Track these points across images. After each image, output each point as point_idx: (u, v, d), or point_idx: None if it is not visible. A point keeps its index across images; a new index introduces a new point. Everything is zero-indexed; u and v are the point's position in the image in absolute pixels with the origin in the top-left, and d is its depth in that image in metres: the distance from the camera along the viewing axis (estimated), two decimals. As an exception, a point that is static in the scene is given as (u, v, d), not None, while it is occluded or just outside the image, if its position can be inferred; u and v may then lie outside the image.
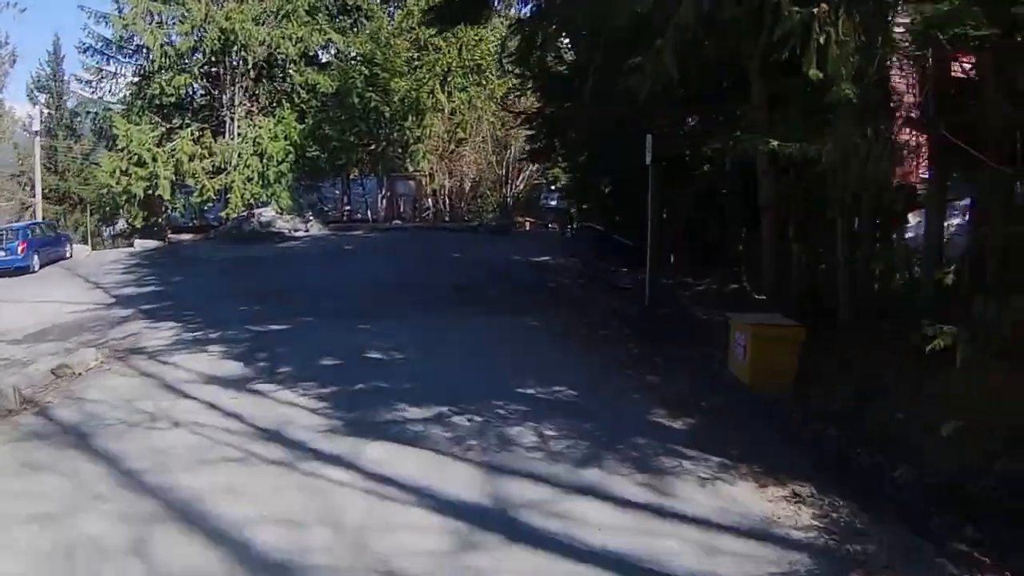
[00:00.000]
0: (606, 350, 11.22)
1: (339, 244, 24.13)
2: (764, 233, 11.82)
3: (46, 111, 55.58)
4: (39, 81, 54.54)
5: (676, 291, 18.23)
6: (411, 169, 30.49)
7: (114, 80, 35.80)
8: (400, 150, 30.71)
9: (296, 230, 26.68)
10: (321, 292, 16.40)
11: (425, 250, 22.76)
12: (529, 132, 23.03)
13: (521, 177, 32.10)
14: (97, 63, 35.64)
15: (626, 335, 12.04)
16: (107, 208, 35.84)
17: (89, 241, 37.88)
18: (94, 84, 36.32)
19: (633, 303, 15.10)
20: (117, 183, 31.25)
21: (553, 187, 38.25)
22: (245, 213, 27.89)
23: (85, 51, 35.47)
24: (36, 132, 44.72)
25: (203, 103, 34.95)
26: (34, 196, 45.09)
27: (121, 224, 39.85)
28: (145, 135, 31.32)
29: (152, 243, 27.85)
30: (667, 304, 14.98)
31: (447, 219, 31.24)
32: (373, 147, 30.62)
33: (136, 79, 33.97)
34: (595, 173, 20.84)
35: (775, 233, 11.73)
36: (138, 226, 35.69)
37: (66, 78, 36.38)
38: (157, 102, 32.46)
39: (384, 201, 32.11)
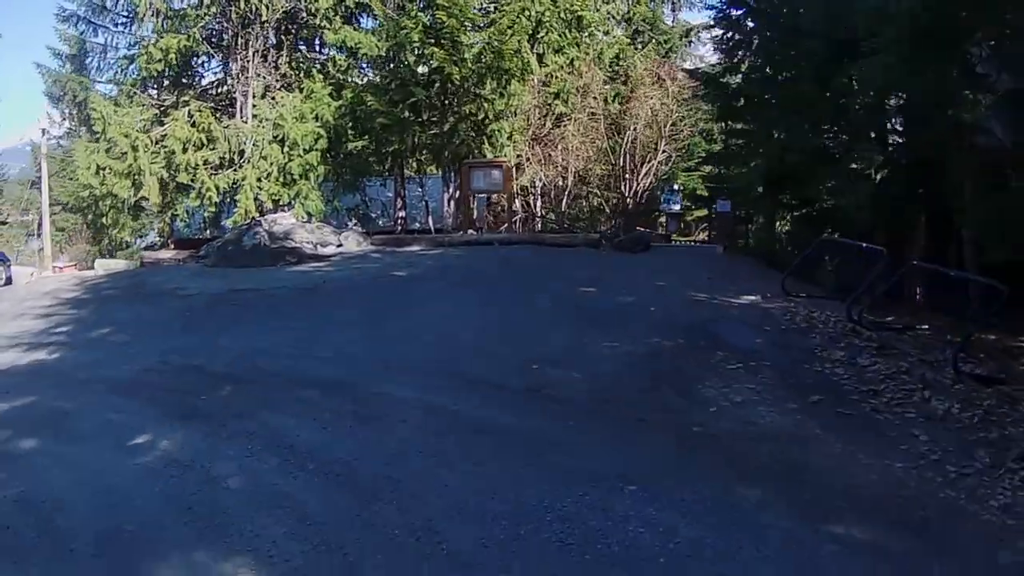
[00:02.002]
0: None
1: (385, 269, 14.99)
2: None
3: (67, 110, 48.39)
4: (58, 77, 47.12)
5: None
6: (490, 156, 21.28)
7: (103, 56, 27.67)
8: (474, 131, 21.53)
9: (324, 245, 17.76)
10: (327, 395, 7.43)
11: (534, 282, 13.54)
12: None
13: (645, 170, 22.77)
14: (80, 33, 27.58)
15: None
16: (90, 216, 27.39)
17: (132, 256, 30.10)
18: (79, 60, 28.15)
19: None
20: (102, 183, 22.92)
21: (676, 187, 29.19)
22: (249, 221, 18.99)
23: (66, 20, 27.38)
24: (44, 132, 37.15)
25: (214, 79, 26.52)
26: (52, 205, 38.57)
27: (152, 236, 32.53)
28: (130, 118, 22.91)
29: (120, 264, 19.25)
30: None
31: (540, 227, 22.04)
32: (437, 127, 21.50)
33: (130, 52, 25.80)
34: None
35: None
36: (128, 238, 27.31)
37: (91, 75, 27.94)
38: (144, 73, 24.08)
39: (452, 203, 22.94)
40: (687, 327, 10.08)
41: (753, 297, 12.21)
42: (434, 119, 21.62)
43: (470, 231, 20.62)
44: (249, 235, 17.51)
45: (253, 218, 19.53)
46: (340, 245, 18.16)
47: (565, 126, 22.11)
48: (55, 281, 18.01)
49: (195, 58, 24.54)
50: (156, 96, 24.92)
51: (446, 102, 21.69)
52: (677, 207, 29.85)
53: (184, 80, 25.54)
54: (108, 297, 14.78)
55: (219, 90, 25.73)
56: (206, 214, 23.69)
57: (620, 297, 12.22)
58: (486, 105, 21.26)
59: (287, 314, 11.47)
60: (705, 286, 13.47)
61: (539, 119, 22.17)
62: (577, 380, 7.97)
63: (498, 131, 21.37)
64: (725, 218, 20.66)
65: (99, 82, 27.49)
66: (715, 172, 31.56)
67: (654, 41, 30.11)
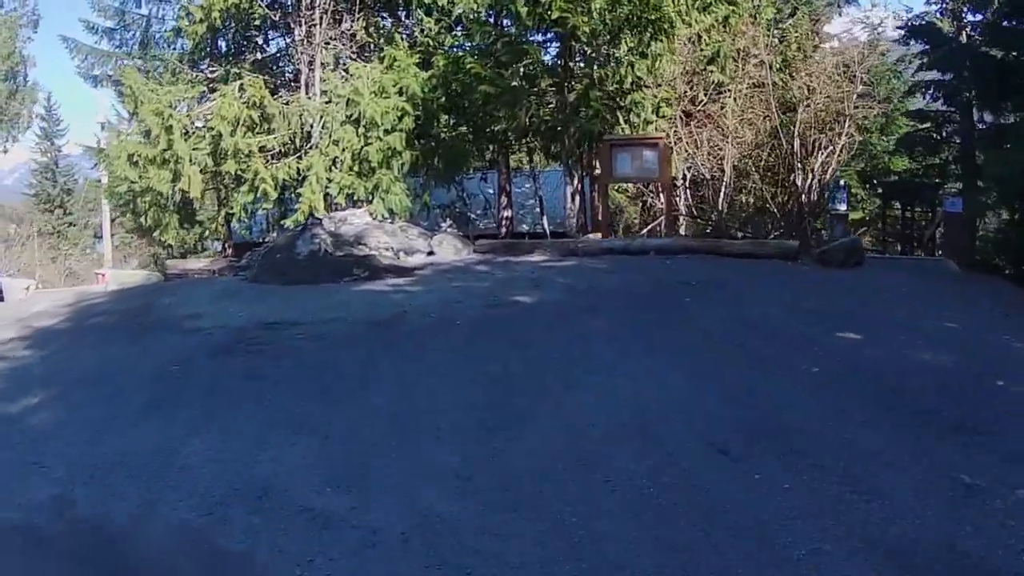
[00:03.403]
0: None
1: (500, 290, 9.71)
2: None
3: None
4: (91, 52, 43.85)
5: None
6: (626, 132, 15.96)
7: (146, 29, 23.42)
8: (607, 102, 16.16)
9: (409, 252, 12.82)
10: None
11: (751, 319, 8.10)
12: None
13: (821, 159, 17.13)
14: (120, 3, 23.38)
15: None
16: (128, 215, 22.82)
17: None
18: (117, 35, 23.89)
19: None
20: (140, 176, 18.43)
21: (841, 182, 23.51)
22: (305, 221, 13.99)
23: (103, -13, 23.32)
24: (104, 124, 33.40)
25: (276, 50, 21.86)
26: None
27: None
28: (170, 95, 18.33)
29: (137, 276, 14.64)
30: None
31: (686, 230, 16.59)
32: (556, 96, 16.25)
33: (177, 24, 21.32)
34: None
35: None
36: (171, 242, 22.69)
37: (132, 50, 23.76)
38: (188, 41, 19.72)
39: (577, 199, 17.52)
40: None
41: None
42: (552, 88, 16.35)
43: (597, 236, 15.34)
44: (305, 239, 12.56)
45: (311, 216, 14.61)
46: (431, 252, 13.13)
47: (723, 100, 16.65)
48: (49, 300, 13.32)
49: (252, 22, 19.74)
50: (205, 71, 20.44)
51: (569, 65, 16.40)
52: (843, 207, 24.11)
53: (242, 53, 21.01)
54: (89, 329, 9.99)
55: (281, 63, 21.11)
56: (261, 210, 18.97)
57: (916, 353, 6.86)
58: (622, 70, 15.89)
59: (332, 383, 6.33)
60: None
61: (688, 90, 16.75)
62: None
63: (639, 103, 15.96)
64: (955, 222, 14.94)
65: (141, 58, 23.26)
66: (869, 167, 26.00)
67: (799, 12, 24.74)
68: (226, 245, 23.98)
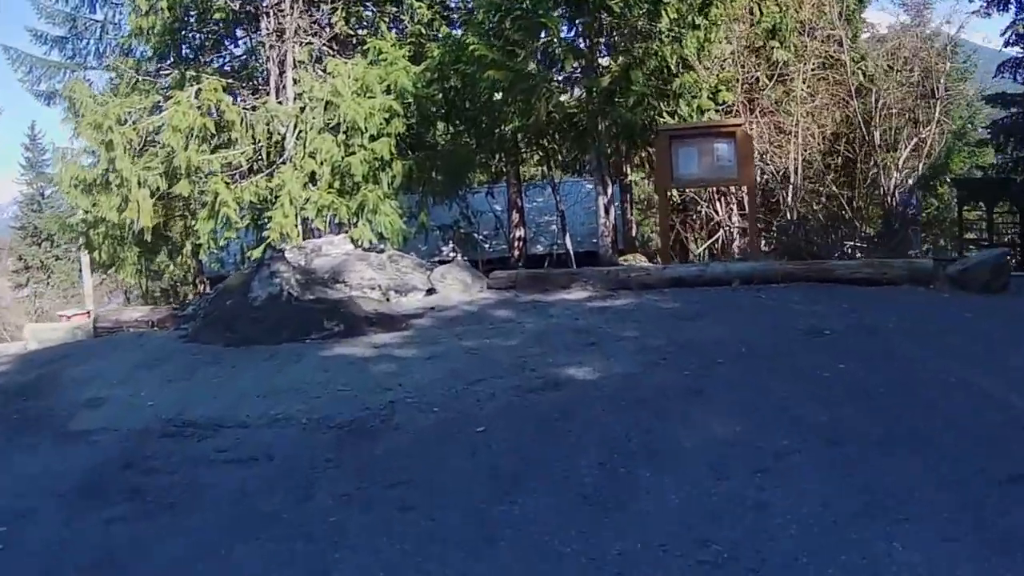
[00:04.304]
0: None
1: (536, 357, 6.35)
2: None
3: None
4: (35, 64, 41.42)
5: None
6: (667, 121, 12.75)
7: (100, 37, 20.51)
8: (657, 79, 12.91)
9: (402, 291, 9.71)
10: None
11: (970, 406, 4.74)
12: None
13: (906, 153, 14.01)
14: (72, 9, 20.50)
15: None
16: (84, 248, 19.62)
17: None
18: (70, 45, 20.89)
19: None
20: (94, 204, 15.54)
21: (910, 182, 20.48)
22: (264, 255, 10.78)
23: (52, -9, 20.46)
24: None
25: (243, 53, 18.84)
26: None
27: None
28: (118, 108, 15.36)
29: (60, 331, 11.39)
30: None
31: (740, 246, 13.40)
32: (584, 85, 13.07)
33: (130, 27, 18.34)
34: None
35: None
36: (130, 279, 19.62)
37: (87, 60, 20.91)
38: (146, 49, 16.94)
39: (611, 211, 14.19)
40: None
41: None
42: (579, 71, 13.16)
43: (638, 258, 12.05)
44: (261, 279, 9.25)
45: (269, 248, 11.43)
46: (431, 290, 9.94)
47: (790, 82, 13.50)
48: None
49: (211, 16, 16.59)
50: (159, 76, 17.49)
51: (598, 42, 13.22)
52: (913, 211, 20.91)
53: (206, 56, 18.02)
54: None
55: (251, 65, 18.07)
56: (224, 239, 15.86)
57: None
58: (665, 48, 12.64)
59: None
60: None
61: (751, 69, 13.61)
62: None
63: (690, 87, 12.70)
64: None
65: (93, 68, 20.31)
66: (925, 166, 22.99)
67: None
68: (196, 281, 20.96)
